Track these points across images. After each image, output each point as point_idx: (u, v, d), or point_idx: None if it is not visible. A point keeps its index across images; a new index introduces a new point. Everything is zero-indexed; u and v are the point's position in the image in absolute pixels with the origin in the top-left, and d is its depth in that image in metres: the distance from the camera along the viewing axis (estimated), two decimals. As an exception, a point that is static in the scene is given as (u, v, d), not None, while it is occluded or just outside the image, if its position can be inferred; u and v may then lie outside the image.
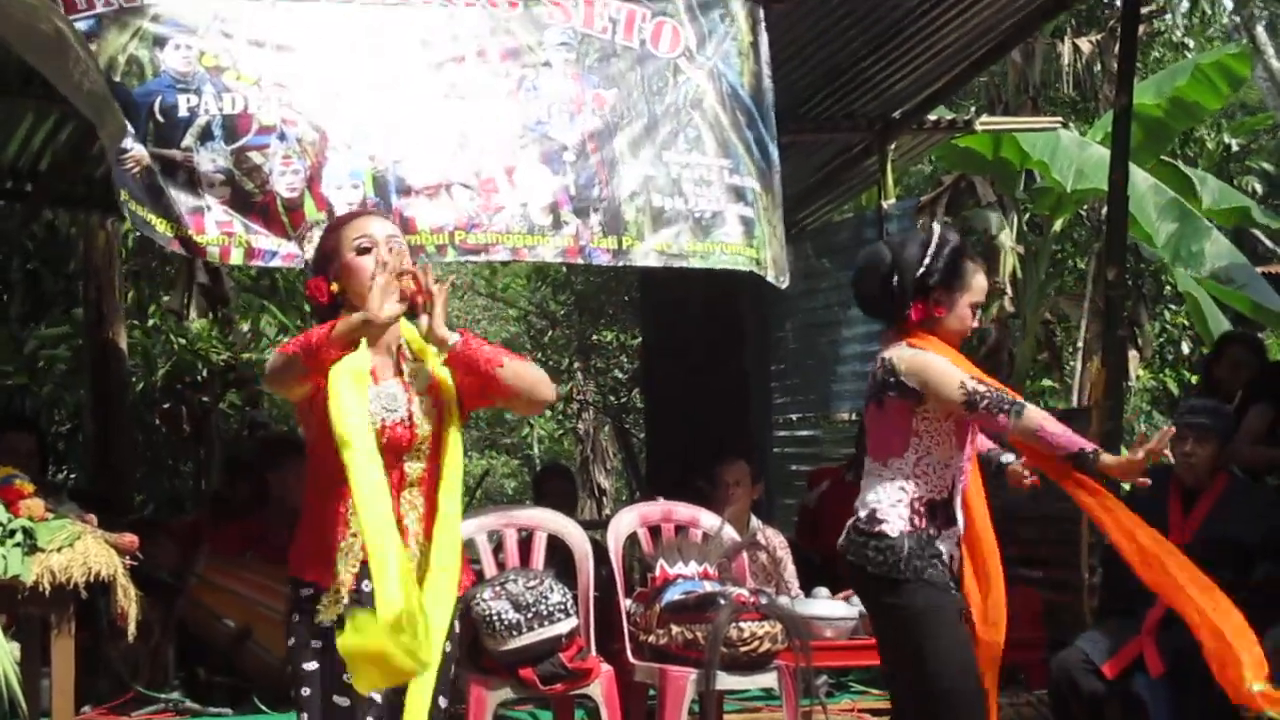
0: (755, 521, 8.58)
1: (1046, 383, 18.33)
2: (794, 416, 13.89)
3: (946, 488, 5.30)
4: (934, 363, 5.23)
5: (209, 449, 13.23)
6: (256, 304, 14.04)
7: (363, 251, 4.47)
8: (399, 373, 4.50)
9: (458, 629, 4.48)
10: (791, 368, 13.46)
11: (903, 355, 5.28)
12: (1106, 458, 5.21)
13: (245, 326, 13.74)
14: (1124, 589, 7.37)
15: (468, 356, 4.33)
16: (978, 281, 5.38)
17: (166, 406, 13.67)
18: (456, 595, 4.36)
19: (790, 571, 8.56)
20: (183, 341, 13.08)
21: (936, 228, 5.52)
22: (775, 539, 8.66)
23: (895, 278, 5.30)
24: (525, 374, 4.42)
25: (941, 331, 5.33)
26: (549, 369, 20.80)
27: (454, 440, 4.42)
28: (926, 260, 5.29)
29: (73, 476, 13.59)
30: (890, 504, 5.34)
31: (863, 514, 5.48)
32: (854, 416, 13.44)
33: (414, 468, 4.46)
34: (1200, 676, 6.73)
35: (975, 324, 5.42)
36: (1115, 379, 8.85)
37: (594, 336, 19.69)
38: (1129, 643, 7.03)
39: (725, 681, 6.87)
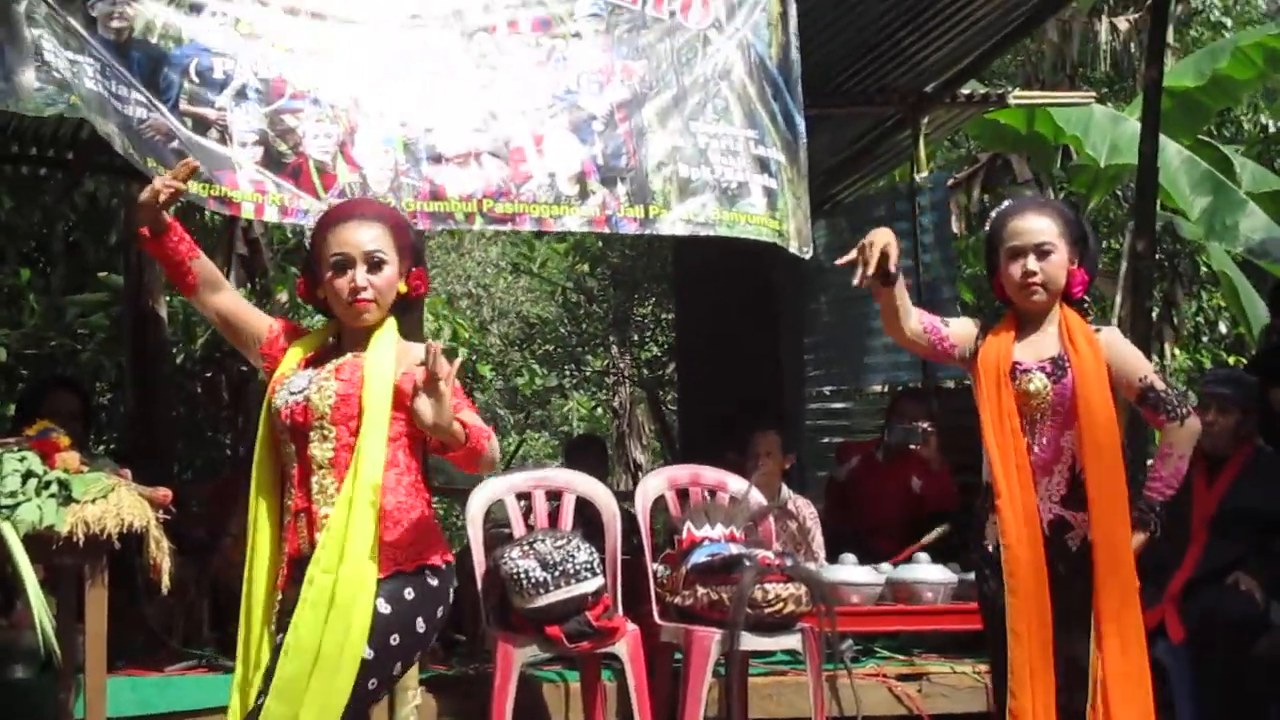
0: (786, 491, 8.66)
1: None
2: (827, 390, 13.92)
3: (987, 471, 5.28)
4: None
5: (247, 417, 13.30)
6: (294, 274, 14.11)
7: (338, 271, 4.60)
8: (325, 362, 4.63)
9: (410, 596, 4.46)
10: (825, 341, 13.48)
11: None
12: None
13: (283, 296, 13.80)
14: (1147, 557, 7.44)
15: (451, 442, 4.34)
16: (1011, 228, 5.31)
17: (207, 375, 13.77)
18: (374, 580, 4.38)
19: (818, 541, 8.64)
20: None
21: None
22: (806, 509, 8.74)
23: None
24: (481, 461, 4.43)
25: (1013, 298, 5.37)
26: (585, 342, 20.92)
27: (373, 425, 4.43)
28: (985, 241, 5.46)
29: (112, 447, 13.69)
30: None
31: None
32: (885, 390, 13.50)
33: (321, 450, 4.52)
34: (1222, 643, 6.82)
35: (1030, 269, 5.24)
36: (1144, 351, 8.88)
37: (630, 311, 19.75)
38: (1151, 610, 7.05)
39: (749, 642, 6.94)
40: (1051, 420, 5.21)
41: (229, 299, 4.91)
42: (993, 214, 5.52)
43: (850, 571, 8.04)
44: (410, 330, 5.13)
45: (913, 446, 9.28)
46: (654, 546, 7.44)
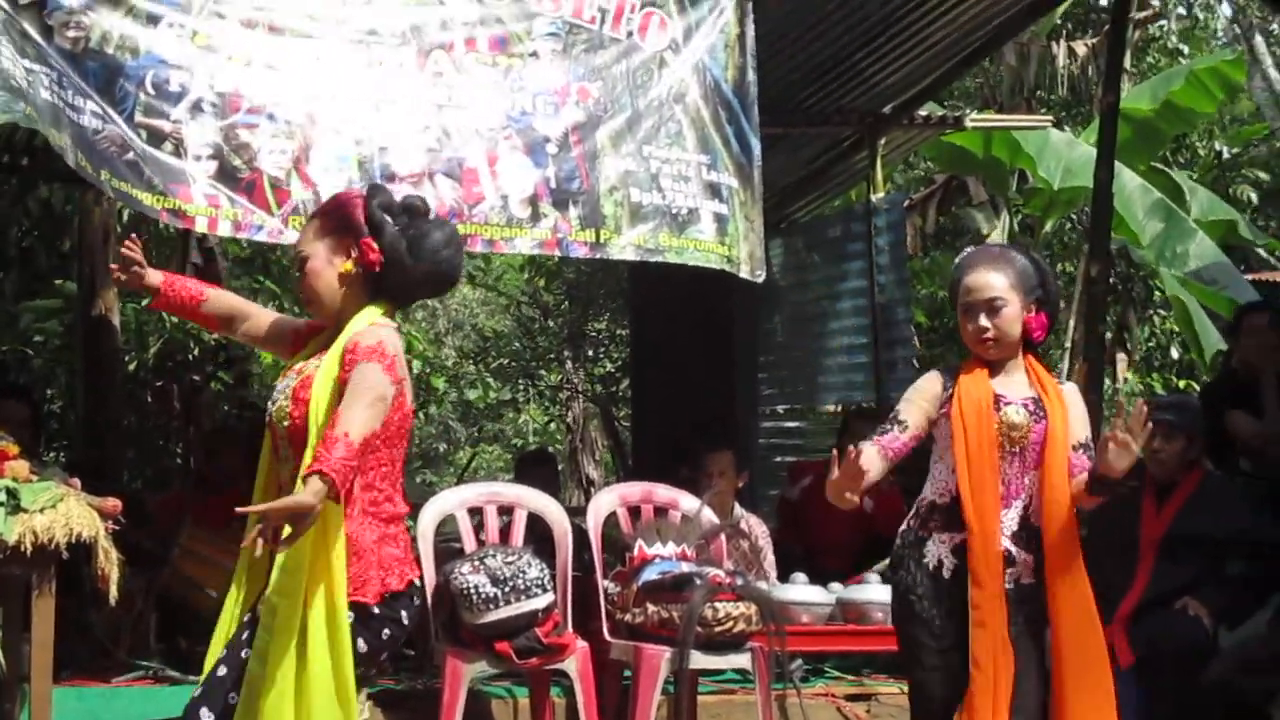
0: (738, 509, 8.66)
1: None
2: (781, 408, 13.96)
3: (950, 492, 5.25)
4: (914, 385, 5.40)
5: (199, 428, 13.27)
6: (250, 284, 14.10)
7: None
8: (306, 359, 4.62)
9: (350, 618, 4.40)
10: (779, 359, 13.53)
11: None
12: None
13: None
14: (1096, 579, 7.46)
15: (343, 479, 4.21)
16: (964, 284, 5.32)
17: (158, 384, 13.71)
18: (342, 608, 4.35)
19: (770, 560, 8.63)
20: (174, 320, 13.10)
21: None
22: (758, 528, 8.74)
23: None
24: (355, 449, 4.24)
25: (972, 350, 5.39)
26: (539, 356, 20.91)
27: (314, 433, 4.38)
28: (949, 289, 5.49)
29: (62, 457, 13.61)
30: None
31: None
32: (839, 409, 13.53)
33: (284, 469, 4.53)
34: (1170, 668, 6.83)
35: (983, 325, 5.25)
36: (1096, 374, 8.95)
37: (585, 326, 19.76)
38: (1100, 633, 7.08)
39: (699, 661, 6.93)
40: (1022, 456, 5.23)
41: (256, 322, 4.91)
42: (954, 264, 5.55)
43: (801, 591, 8.05)
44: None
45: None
46: (605, 564, 7.44)
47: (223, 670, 4.47)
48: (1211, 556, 7.24)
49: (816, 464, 10.21)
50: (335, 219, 4.63)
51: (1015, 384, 5.31)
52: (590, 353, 20.17)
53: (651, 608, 6.96)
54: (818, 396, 13.33)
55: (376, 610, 4.44)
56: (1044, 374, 5.37)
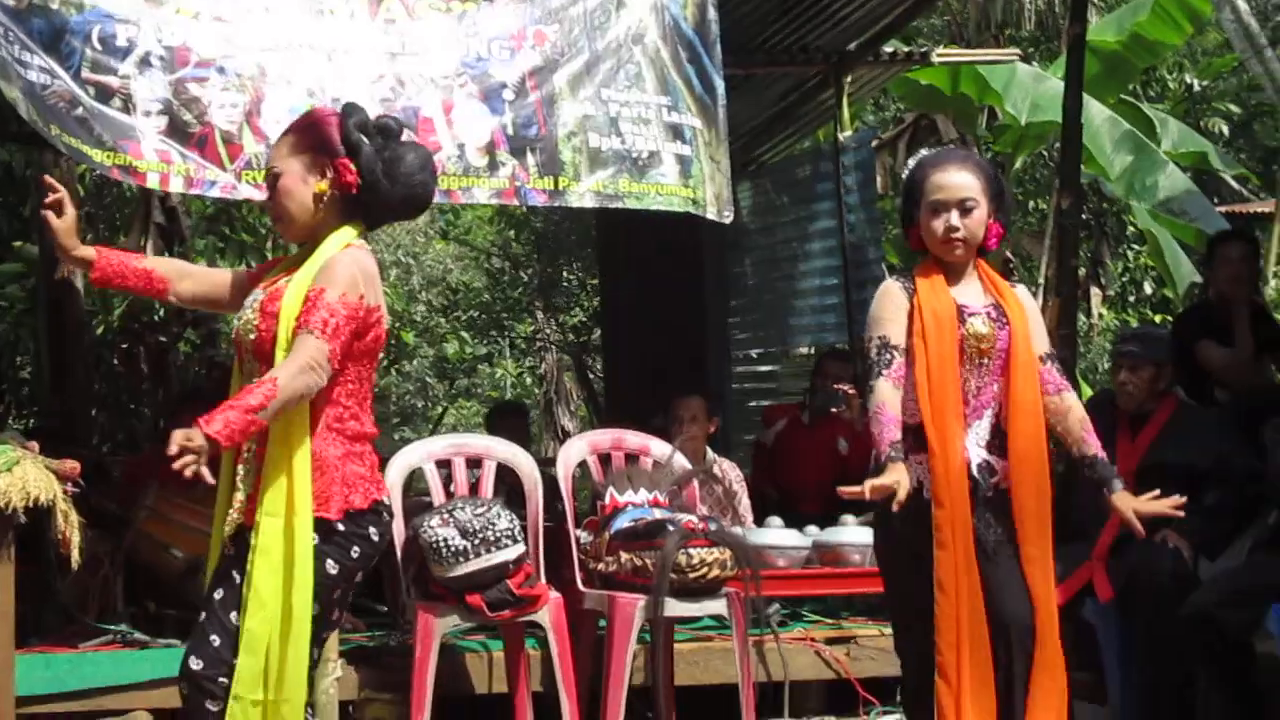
0: (711, 455, 8.61)
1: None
2: (753, 352, 13.89)
3: (919, 413, 5.16)
4: (880, 302, 5.25)
5: (167, 389, 13.17)
6: (215, 243, 13.98)
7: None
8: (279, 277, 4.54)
9: (315, 540, 4.38)
10: (751, 303, 13.46)
11: (880, 286, 5.36)
12: (874, 480, 4.99)
13: (203, 265, 13.64)
14: (1075, 515, 7.40)
15: (243, 432, 4.19)
16: (931, 182, 5.24)
17: (124, 346, 13.61)
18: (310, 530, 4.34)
19: (745, 505, 8.59)
20: (139, 280, 12.97)
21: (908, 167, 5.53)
22: (731, 472, 8.70)
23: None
24: (282, 406, 4.24)
25: (932, 251, 5.31)
26: (511, 308, 20.82)
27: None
28: (902, 186, 5.37)
29: (31, 423, 13.52)
30: None
31: None
32: (811, 351, 13.47)
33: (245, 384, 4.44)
34: (1150, 601, 6.78)
35: (953, 224, 5.18)
36: (1070, 309, 8.87)
37: (555, 276, 19.67)
38: (1078, 569, 7.03)
39: (674, 608, 6.88)
40: (990, 365, 5.17)
41: (201, 279, 4.82)
42: (910, 163, 5.44)
43: (776, 535, 8.00)
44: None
45: (834, 410, 9.26)
46: (577, 513, 7.37)
47: (219, 593, 4.43)
48: (1187, 486, 7.17)
49: (790, 407, 10.19)
50: (310, 137, 4.54)
51: (973, 292, 5.26)
52: (561, 303, 20.07)
53: (625, 556, 6.90)
54: (790, 339, 13.27)
55: (341, 526, 4.40)
56: (998, 278, 5.33)
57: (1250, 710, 6.67)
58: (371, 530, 4.50)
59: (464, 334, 21.99)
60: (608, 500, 7.14)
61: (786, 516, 8.39)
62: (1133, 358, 7.11)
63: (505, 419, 10.15)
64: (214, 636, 4.37)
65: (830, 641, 7.76)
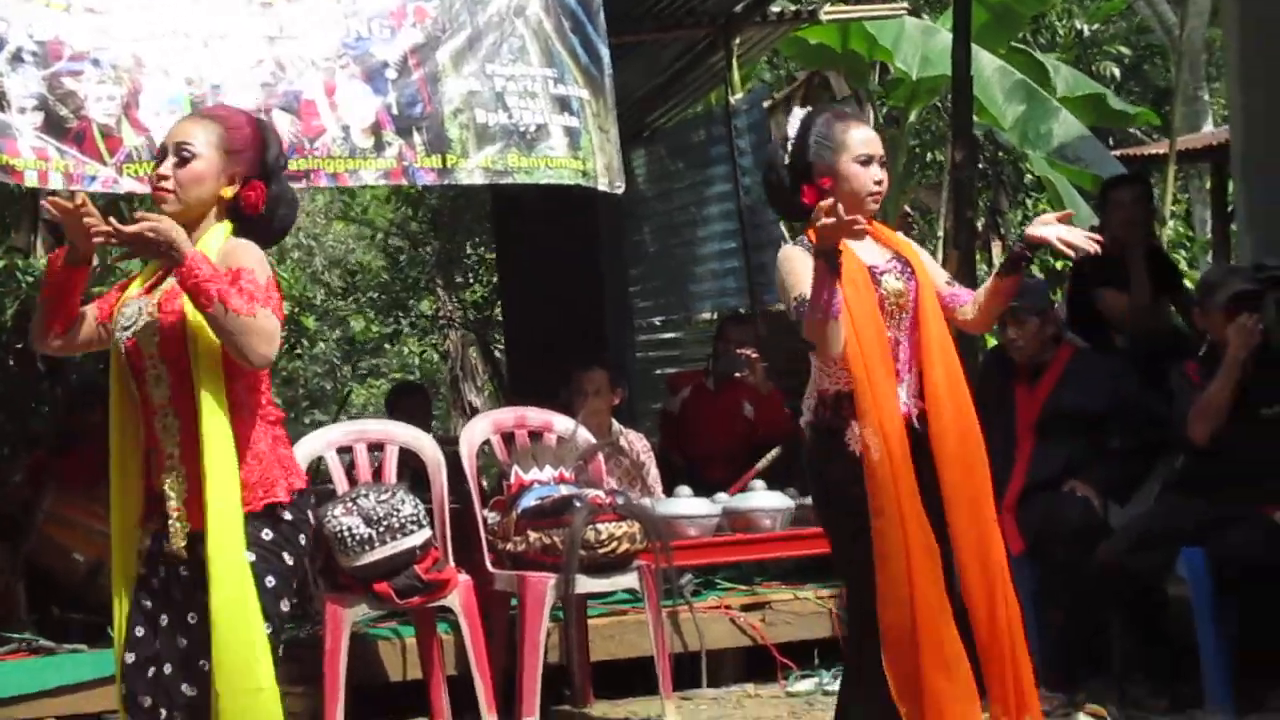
0: (616, 426, 8.56)
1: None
2: (657, 320, 13.86)
3: (850, 379, 5.00)
4: (786, 266, 5.06)
5: (65, 387, 12.98)
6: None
7: (157, 164, 4.44)
8: (157, 285, 4.41)
9: (268, 537, 4.32)
10: (651, 271, 13.43)
11: (780, 253, 5.18)
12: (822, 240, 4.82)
13: (94, 261, 13.43)
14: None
15: (192, 284, 4.12)
16: (854, 136, 5.10)
17: (19, 347, 13.40)
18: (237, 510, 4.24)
19: (653, 475, 8.54)
20: (30, 279, 12.79)
21: (790, 117, 5.39)
22: (638, 443, 8.65)
23: (774, 178, 5.18)
24: (230, 327, 4.13)
25: (846, 201, 4.99)
26: (411, 287, 20.68)
27: (205, 359, 4.24)
28: (793, 140, 5.13)
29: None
30: (809, 396, 5.18)
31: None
32: (714, 317, 13.43)
33: (158, 392, 4.33)
34: (1061, 551, 6.80)
35: (878, 178, 5.09)
36: (969, 262, 8.87)
37: (453, 253, 19.55)
38: (986, 522, 7.02)
39: (585, 585, 6.86)
40: (907, 320, 5.12)
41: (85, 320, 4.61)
42: (799, 116, 5.31)
43: (686, 504, 7.94)
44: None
45: (738, 375, 9.23)
46: (483, 493, 7.32)
47: (184, 642, 4.34)
48: (1091, 433, 7.21)
49: (695, 374, 10.16)
50: (238, 141, 4.45)
51: (872, 249, 5.15)
52: (461, 280, 19.94)
53: (533, 535, 6.86)
54: (692, 305, 13.24)
55: (288, 514, 4.36)
56: (884, 230, 5.26)
57: (1162, 654, 6.71)
58: (309, 514, 4.48)
59: (367, 313, 21.84)
60: (513, 479, 7.09)
61: (695, 484, 8.36)
62: (1015, 313, 7.08)
63: (405, 400, 10.10)
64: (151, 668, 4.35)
65: (745, 609, 7.77)
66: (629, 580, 6.97)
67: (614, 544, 6.81)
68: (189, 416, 4.25)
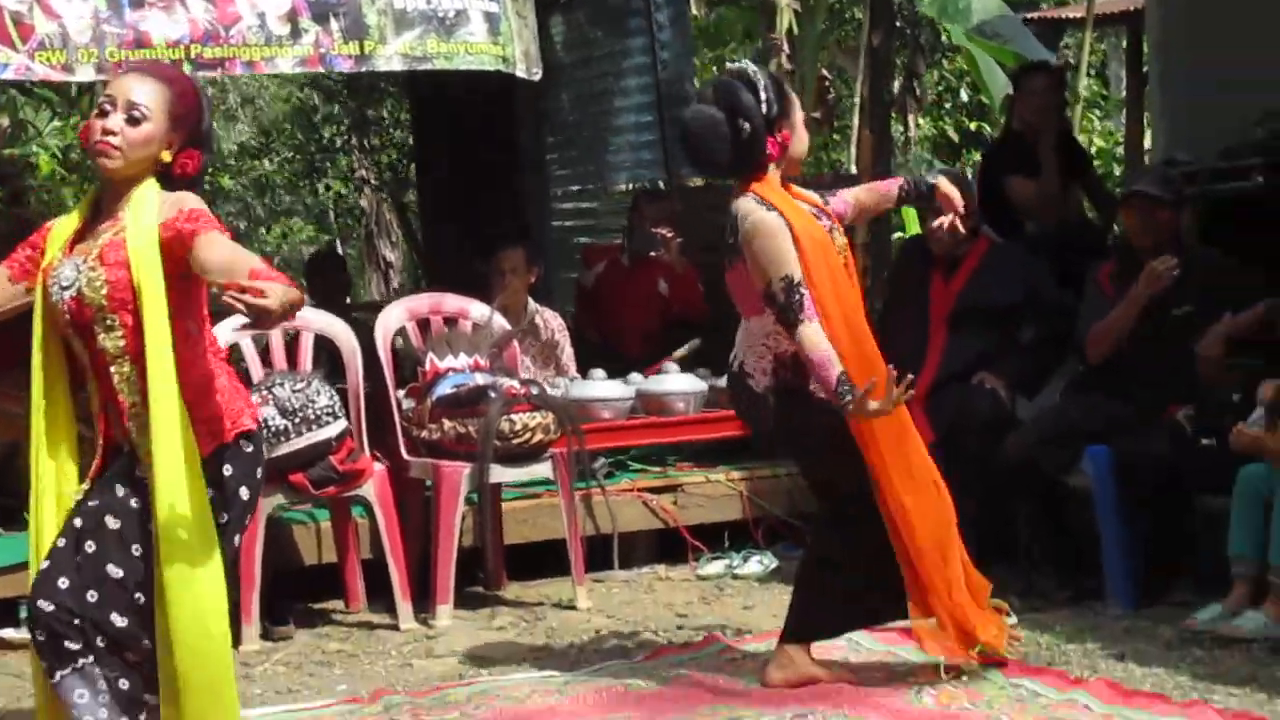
0: (533, 305, 8.54)
1: (831, 139, 18.41)
2: (573, 188, 13.79)
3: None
4: (764, 240, 5.20)
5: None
6: (15, 96, 13.56)
7: (100, 114, 4.41)
8: (88, 240, 4.44)
9: (229, 472, 4.38)
10: (569, 139, 13.34)
11: (747, 215, 5.26)
12: (857, 404, 5.07)
13: (5, 121, 13.28)
14: (891, 355, 7.47)
15: (176, 229, 4.22)
16: (794, 95, 5.43)
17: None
18: (195, 454, 4.28)
19: (568, 354, 8.57)
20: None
21: (747, 65, 5.46)
22: (553, 321, 8.65)
23: (745, 127, 5.27)
24: (215, 261, 4.15)
25: (790, 161, 5.39)
26: (325, 147, 20.53)
27: (153, 307, 4.27)
28: (764, 97, 5.29)
29: None
30: (755, 360, 5.35)
31: (735, 363, 5.49)
32: (630, 188, 13.38)
33: (111, 341, 4.36)
34: (972, 444, 6.90)
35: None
36: (883, 147, 8.92)
37: (368, 112, 19.39)
38: (897, 414, 7.10)
39: (499, 474, 6.92)
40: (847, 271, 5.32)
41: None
42: (768, 74, 5.46)
43: (600, 387, 7.97)
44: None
45: (653, 254, 9.25)
46: (398, 380, 7.33)
47: (118, 572, 4.35)
48: (1003, 327, 7.28)
49: (610, 248, 10.18)
50: (183, 109, 4.47)
51: (806, 211, 5.37)
52: (375, 140, 19.80)
53: (448, 423, 6.90)
54: (608, 176, 13.15)
55: (246, 446, 4.44)
56: (801, 190, 5.54)
57: (1067, 546, 6.83)
58: (263, 447, 4.57)
59: (284, 171, 21.69)
60: (428, 367, 7.11)
61: (610, 359, 8.40)
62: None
63: (322, 268, 10.09)
64: (63, 580, 4.35)
65: (657, 491, 7.84)
66: (543, 469, 7.03)
67: (528, 434, 6.86)
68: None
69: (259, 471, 4.52)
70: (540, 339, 8.44)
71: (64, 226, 4.51)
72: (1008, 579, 6.86)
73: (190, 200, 4.33)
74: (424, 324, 7.47)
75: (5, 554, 6.68)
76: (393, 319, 7.44)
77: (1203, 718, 4.97)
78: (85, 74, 6.48)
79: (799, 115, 5.42)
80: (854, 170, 9.78)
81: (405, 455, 7.05)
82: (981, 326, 7.21)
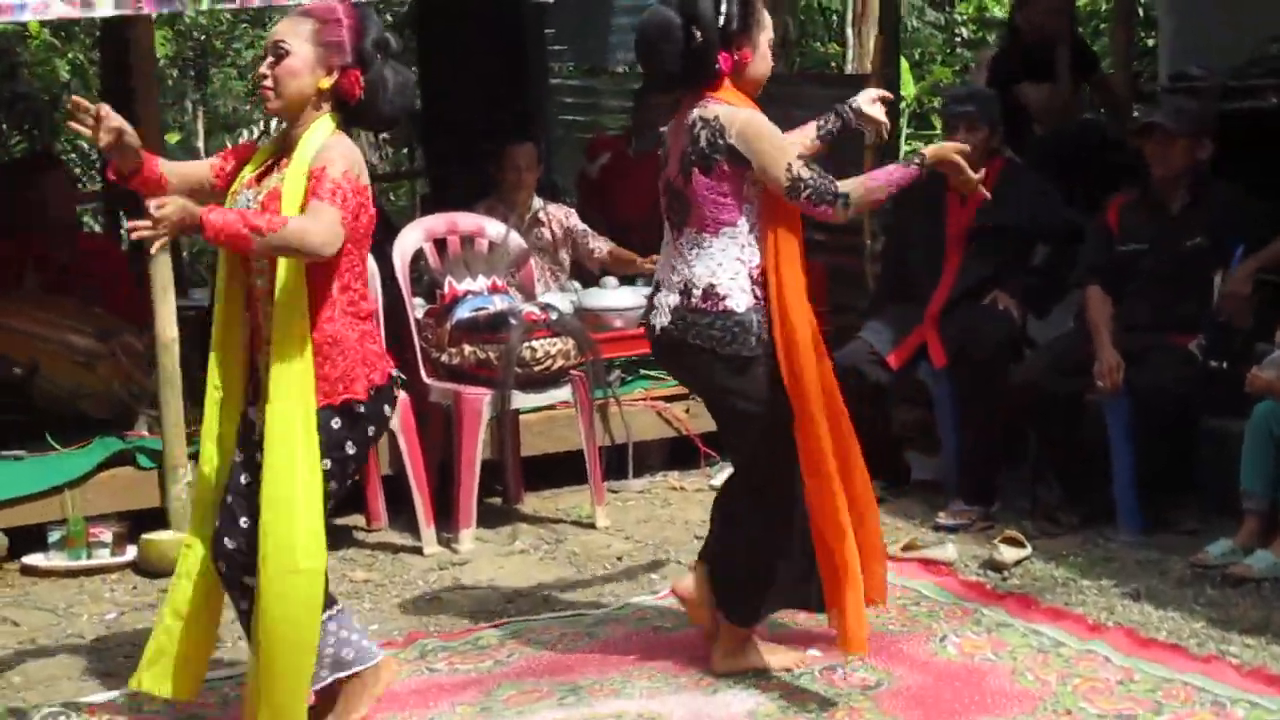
0: (537, 201, 8.49)
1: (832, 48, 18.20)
2: (570, 65, 13.68)
3: (774, 253, 5.03)
4: (766, 133, 4.97)
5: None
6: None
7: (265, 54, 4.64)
8: (267, 179, 4.63)
9: (336, 425, 4.56)
10: (567, 18, 13.17)
11: (733, 116, 4.98)
12: (931, 151, 5.14)
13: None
14: (904, 273, 7.53)
15: (224, 239, 4.32)
16: (768, 18, 5.19)
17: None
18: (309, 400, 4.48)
19: (596, 241, 8.43)
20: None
21: None
22: (558, 213, 8.56)
23: (697, 36, 4.98)
24: (276, 244, 4.33)
25: (746, 81, 5.12)
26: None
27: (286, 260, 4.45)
28: (723, 8, 5.03)
29: None
30: (730, 277, 5.03)
31: (696, 292, 5.06)
32: (629, 70, 13.29)
33: (260, 280, 4.58)
34: (983, 365, 6.97)
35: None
36: (891, 48, 8.87)
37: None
38: (912, 333, 7.16)
39: (520, 400, 7.02)
40: None
41: (178, 179, 4.75)
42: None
43: (612, 296, 7.99)
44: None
45: (660, 152, 9.21)
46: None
47: (244, 478, 4.67)
48: (1017, 247, 7.32)
49: (614, 140, 10.15)
50: (331, 33, 4.57)
51: None
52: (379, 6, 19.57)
53: (468, 348, 6.97)
54: (608, 56, 13.07)
55: (363, 409, 4.61)
56: None
57: (1076, 467, 6.90)
58: (385, 408, 4.72)
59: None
60: (446, 289, 7.15)
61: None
62: (970, 118, 7.13)
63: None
64: (244, 518, 4.62)
65: (669, 399, 7.90)
66: (562, 394, 7.12)
67: (549, 361, 6.95)
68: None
69: (371, 430, 4.68)
70: (547, 232, 8.36)
71: (261, 154, 4.71)
72: (1017, 501, 7.02)
73: (331, 154, 4.47)
74: (440, 244, 7.49)
75: (31, 480, 6.77)
76: (410, 241, 7.45)
77: (1221, 675, 5.07)
78: (105, 8, 6.43)
79: (765, 36, 5.14)
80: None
81: (425, 379, 7.13)
82: (995, 247, 7.22)
